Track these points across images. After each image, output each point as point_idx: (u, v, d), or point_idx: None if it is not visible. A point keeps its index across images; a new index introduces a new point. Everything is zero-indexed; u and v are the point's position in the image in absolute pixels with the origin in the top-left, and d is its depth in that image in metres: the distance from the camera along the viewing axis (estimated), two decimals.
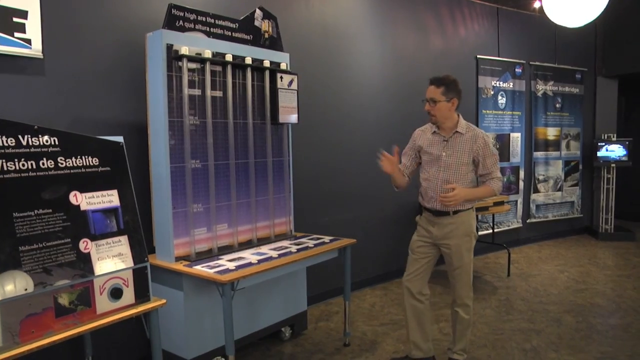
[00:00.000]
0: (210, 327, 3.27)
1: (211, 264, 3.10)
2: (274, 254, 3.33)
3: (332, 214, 4.81)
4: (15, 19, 2.73)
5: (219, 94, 3.38)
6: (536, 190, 7.08)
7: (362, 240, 4.95)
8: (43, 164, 2.25)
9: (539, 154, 7.06)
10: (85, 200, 2.35)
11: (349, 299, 3.76)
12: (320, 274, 4.39)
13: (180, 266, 3.07)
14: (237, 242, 3.53)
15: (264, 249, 3.50)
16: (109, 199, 2.45)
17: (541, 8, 5.40)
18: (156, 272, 3.26)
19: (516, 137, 6.72)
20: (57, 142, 2.31)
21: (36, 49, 2.83)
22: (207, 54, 3.23)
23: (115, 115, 3.27)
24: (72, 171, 2.34)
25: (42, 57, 2.87)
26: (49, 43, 2.91)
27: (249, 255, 3.30)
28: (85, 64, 3.11)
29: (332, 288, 4.72)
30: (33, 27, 2.80)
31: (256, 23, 3.67)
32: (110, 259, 2.39)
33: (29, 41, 2.80)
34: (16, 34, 2.75)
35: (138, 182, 3.27)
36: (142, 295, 2.51)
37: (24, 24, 2.77)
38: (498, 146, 6.50)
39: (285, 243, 3.67)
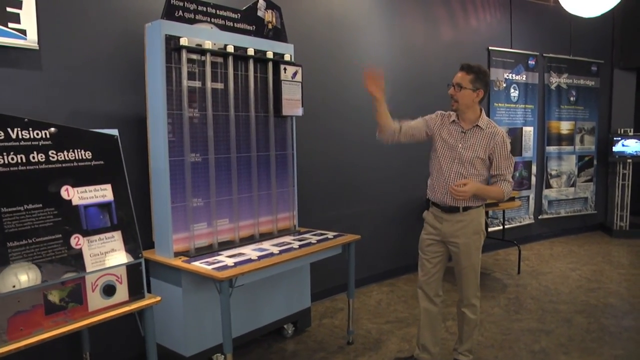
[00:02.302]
0: (209, 324, 3.21)
1: (210, 259, 3.04)
2: (275, 250, 3.26)
3: (338, 208, 4.73)
4: (9, 9, 2.66)
5: (220, 86, 3.30)
6: (548, 186, 6.93)
7: (369, 235, 4.86)
8: (33, 157, 2.19)
9: (551, 149, 6.90)
10: (78, 195, 2.29)
11: (352, 296, 3.68)
12: (326, 269, 4.31)
13: (179, 262, 3.01)
14: (238, 237, 3.46)
15: (266, 244, 3.43)
16: (102, 193, 2.39)
17: None
18: (155, 267, 3.22)
19: (528, 131, 6.57)
20: (48, 136, 2.25)
21: (31, 39, 2.76)
22: (208, 45, 3.15)
23: (113, 108, 3.21)
24: (63, 165, 2.27)
25: (37, 48, 2.80)
26: (45, 34, 2.84)
27: (250, 251, 3.24)
28: (82, 55, 3.05)
29: (337, 284, 4.64)
30: (28, 17, 2.73)
31: (259, 13, 3.59)
32: (103, 255, 2.33)
33: (23, 32, 2.73)
34: (10, 25, 2.67)
35: (138, 176, 3.23)
36: (136, 292, 2.45)
37: (18, 14, 2.70)
38: (510, 140, 6.33)
39: (287, 239, 3.59)
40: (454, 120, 3.07)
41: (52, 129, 2.27)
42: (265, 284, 3.53)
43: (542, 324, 4.02)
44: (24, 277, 2.09)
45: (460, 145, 3.01)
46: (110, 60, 3.17)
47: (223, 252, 3.23)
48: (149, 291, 3.20)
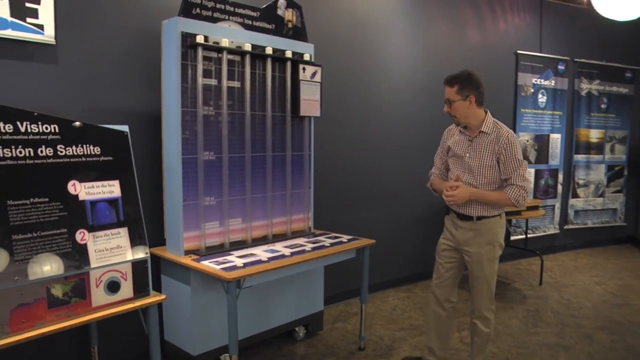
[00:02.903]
0: (217, 324, 3.18)
1: (219, 259, 3.02)
2: (287, 252, 3.22)
3: (356, 211, 4.67)
4: (27, 4, 2.68)
5: (236, 84, 3.28)
6: (575, 195, 6.72)
7: (387, 239, 4.80)
8: (41, 151, 2.20)
9: (579, 157, 6.69)
10: (85, 190, 2.29)
11: (365, 301, 3.62)
12: (342, 272, 4.25)
13: (188, 260, 3.00)
14: (250, 237, 3.43)
15: (278, 246, 3.40)
16: (110, 189, 2.38)
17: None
18: (166, 265, 3.22)
19: (556, 138, 6.39)
20: (57, 130, 2.25)
21: (49, 35, 2.78)
22: (225, 43, 3.14)
23: (128, 104, 3.21)
24: (71, 160, 2.28)
25: (54, 43, 2.81)
26: (62, 29, 2.85)
27: (261, 252, 3.20)
28: (99, 51, 3.05)
29: (353, 288, 4.56)
30: (46, 13, 2.74)
31: (279, 12, 3.56)
32: (108, 251, 2.32)
33: (41, 27, 2.75)
34: (28, 20, 2.70)
35: (152, 173, 3.24)
36: (141, 289, 2.44)
37: (36, 10, 2.71)
38: (536, 147, 6.20)
39: (301, 240, 3.55)
40: (461, 131, 3.03)
41: (61, 124, 2.27)
42: (277, 285, 3.50)
43: (562, 339, 3.88)
44: (47, 267, 2.12)
45: (467, 155, 2.95)
46: (126, 57, 3.17)
47: (234, 252, 3.20)
48: (160, 288, 3.21)
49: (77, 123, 2.34)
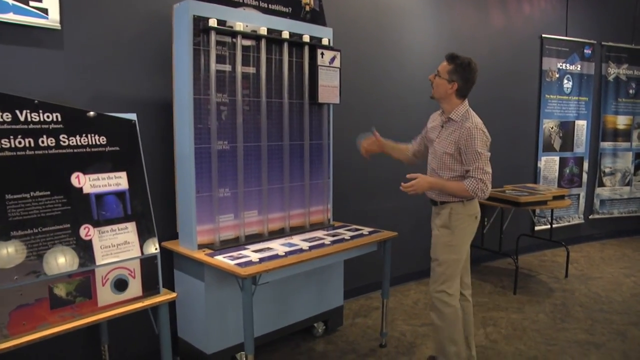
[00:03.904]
0: (233, 321, 3.04)
1: (234, 254, 2.87)
2: (305, 245, 3.07)
3: (379, 202, 4.50)
4: None
5: (251, 70, 3.12)
6: (601, 184, 6.48)
7: (410, 231, 4.64)
8: (43, 141, 2.06)
9: (606, 145, 6.44)
10: (89, 183, 2.16)
11: (387, 296, 3.47)
12: (362, 265, 4.09)
13: (202, 255, 2.86)
14: (267, 230, 3.28)
15: (296, 239, 3.25)
16: (117, 181, 2.24)
17: None
18: (179, 259, 3.08)
19: (581, 125, 6.15)
20: (59, 119, 2.11)
21: (53, 19, 2.63)
22: (239, 26, 2.97)
23: (139, 92, 3.06)
24: (75, 150, 2.14)
25: (59, 28, 2.66)
26: (68, 13, 2.70)
27: (278, 246, 3.06)
28: (107, 36, 2.90)
29: (374, 281, 4.41)
30: None
31: None
32: (115, 247, 2.19)
33: (45, 11, 2.60)
34: (31, 3, 2.54)
35: (163, 164, 3.11)
36: (151, 287, 2.31)
37: None
38: (561, 134, 5.97)
39: (320, 233, 3.40)
40: (440, 115, 3.02)
41: (64, 112, 2.12)
42: (295, 280, 3.35)
43: (592, 335, 3.69)
44: (62, 259, 2.03)
45: (436, 141, 2.95)
46: (135, 42, 3.02)
47: (250, 246, 3.05)
48: (172, 283, 3.08)
49: (82, 111, 2.20)
